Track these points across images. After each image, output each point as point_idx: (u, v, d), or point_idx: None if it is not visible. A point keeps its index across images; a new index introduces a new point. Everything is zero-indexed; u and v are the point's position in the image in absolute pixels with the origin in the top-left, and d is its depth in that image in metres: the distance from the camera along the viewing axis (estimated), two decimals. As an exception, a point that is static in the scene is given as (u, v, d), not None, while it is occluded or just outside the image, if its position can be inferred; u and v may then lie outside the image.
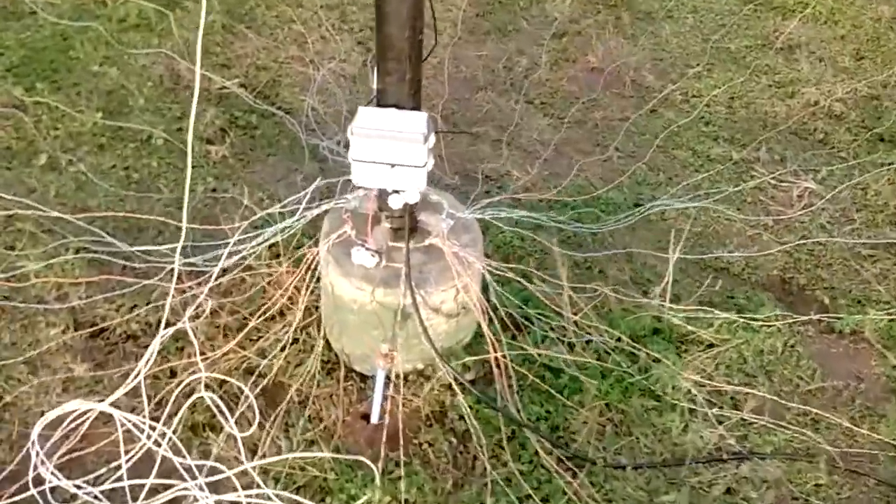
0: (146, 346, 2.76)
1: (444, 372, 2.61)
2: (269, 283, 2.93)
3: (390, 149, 2.31)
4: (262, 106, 4.23)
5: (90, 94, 4.09)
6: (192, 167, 3.75)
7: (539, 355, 2.82)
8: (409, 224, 2.50)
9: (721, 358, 3.02)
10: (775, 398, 2.89)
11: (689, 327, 3.03)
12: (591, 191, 3.88)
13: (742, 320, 3.09)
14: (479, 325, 2.80)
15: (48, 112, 3.90)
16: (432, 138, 2.34)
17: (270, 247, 3.00)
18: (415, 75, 2.32)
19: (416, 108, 2.39)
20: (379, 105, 2.39)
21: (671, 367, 2.85)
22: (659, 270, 3.47)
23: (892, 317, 3.23)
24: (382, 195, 2.51)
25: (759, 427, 2.80)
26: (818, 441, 2.76)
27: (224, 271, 2.85)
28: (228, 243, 2.90)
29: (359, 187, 2.51)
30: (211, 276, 2.70)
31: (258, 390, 2.63)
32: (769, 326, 3.11)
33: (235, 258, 2.85)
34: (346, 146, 4.09)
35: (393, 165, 2.33)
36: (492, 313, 2.78)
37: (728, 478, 2.64)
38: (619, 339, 2.91)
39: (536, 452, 2.56)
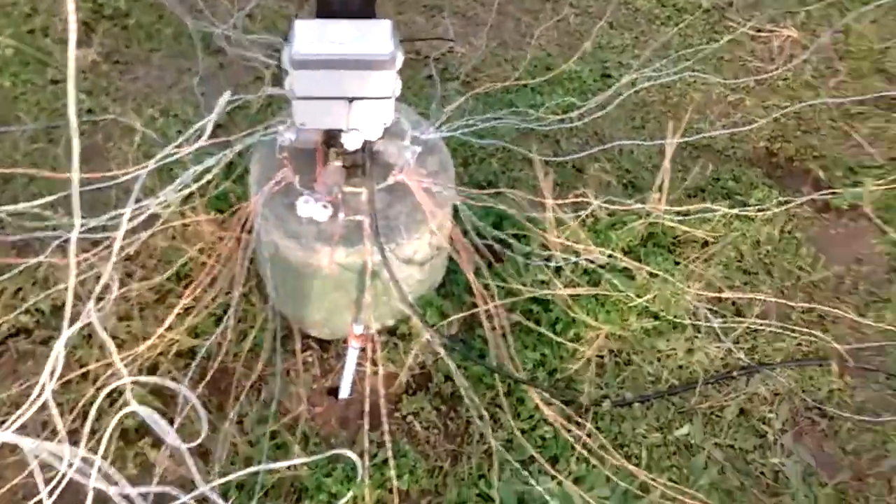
0: (44, 343, 2.36)
1: (422, 329, 2.31)
2: (184, 237, 2.49)
3: (347, 79, 1.84)
4: (129, -15, 3.54)
5: None
6: (56, 82, 3.13)
7: (524, 286, 2.55)
8: (370, 163, 2.07)
9: (718, 257, 2.83)
10: (779, 299, 2.75)
11: (684, 227, 2.80)
12: (550, 64, 3.46)
13: (734, 210, 2.87)
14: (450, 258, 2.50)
15: None
16: (400, 56, 1.87)
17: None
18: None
19: (371, 14, 1.90)
20: (319, 15, 1.88)
21: (671, 280, 2.64)
22: (637, 157, 3.19)
23: (889, 185, 3.07)
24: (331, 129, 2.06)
25: (767, 334, 2.67)
26: (827, 341, 2.65)
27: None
28: (127, 189, 2.42)
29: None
30: (114, 242, 2.22)
31: (199, 380, 2.27)
32: (764, 212, 2.92)
33: (140, 213, 2.37)
34: (246, 31, 3.54)
35: (351, 100, 1.87)
36: (463, 240, 2.46)
37: (740, 397, 2.52)
38: (610, 256, 2.65)
39: (537, 406, 2.35)
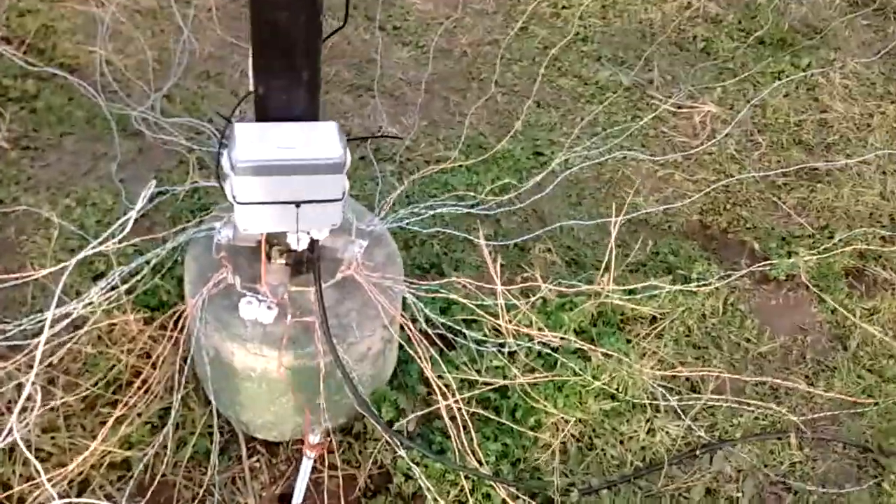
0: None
1: (378, 428, 2.21)
2: (111, 339, 2.33)
3: (295, 184, 1.77)
4: (37, 66, 3.39)
5: None
6: (-43, 172, 2.94)
7: (479, 373, 2.50)
8: (317, 263, 1.99)
9: (668, 333, 2.87)
10: (730, 373, 2.79)
11: (632, 305, 2.83)
12: (483, 143, 3.51)
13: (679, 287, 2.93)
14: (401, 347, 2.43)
15: None
16: (348, 157, 1.83)
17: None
18: (313, 73, 1.77)
19: (315, 116, 1.86)
20: (259, 117, 1.82)
21: (627, 361, 2.64)
22: (577, 234, 3.24)
23: (820, 254, 3.21)
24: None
25: (724, 409, 2.70)
26: (782, 412, 2.70)
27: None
28: (44, 286, 2.28)
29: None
30: (36, 348, 2.05)
31: (136, 495, 2.09)
32: (705, 286, 2.99)
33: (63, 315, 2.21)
34: (164, 113, 3.44)
35: (299, 204, 1.80)
36: (414, 331, 2.39)
37: (705, 476, 2.52)
38: (562, 338, 2.64)
39: (504, 501, 2.27)
